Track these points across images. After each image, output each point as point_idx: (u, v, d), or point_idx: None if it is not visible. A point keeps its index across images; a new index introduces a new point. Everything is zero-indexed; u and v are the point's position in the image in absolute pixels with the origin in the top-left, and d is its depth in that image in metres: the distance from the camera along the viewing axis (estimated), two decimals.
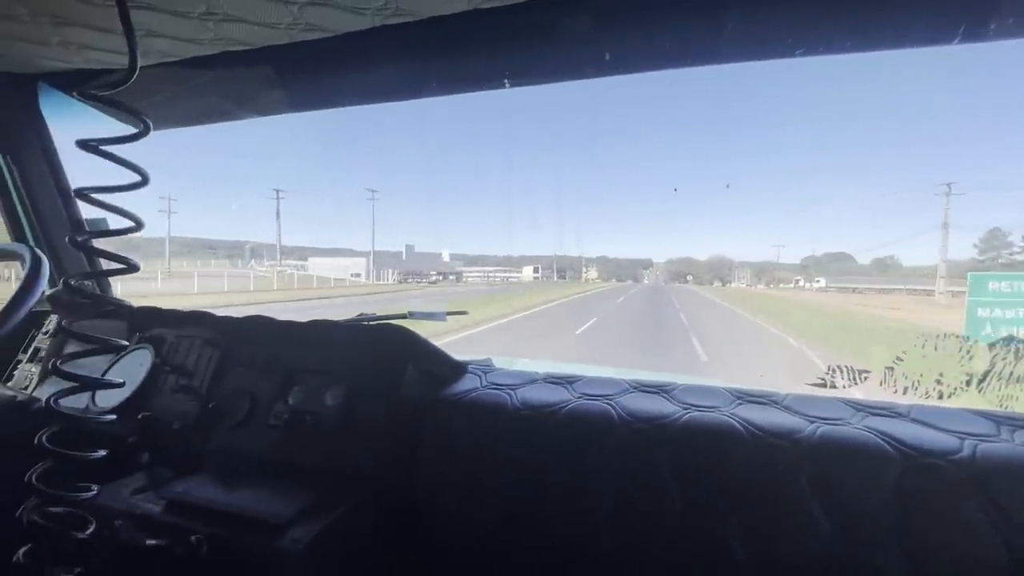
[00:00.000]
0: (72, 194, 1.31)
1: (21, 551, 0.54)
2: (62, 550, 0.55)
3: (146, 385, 0.97)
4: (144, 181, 0.57)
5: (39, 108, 1.23)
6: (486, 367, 0.96)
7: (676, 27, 0.83)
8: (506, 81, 0.95)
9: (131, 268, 0.61)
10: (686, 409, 0.74)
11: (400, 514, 0.79)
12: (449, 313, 1.15)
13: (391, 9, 0.79)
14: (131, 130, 0.62)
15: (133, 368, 0.99)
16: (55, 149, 1.26)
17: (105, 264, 0.64)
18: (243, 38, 0.87)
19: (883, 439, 0.63)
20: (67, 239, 0.57)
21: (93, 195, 0.56)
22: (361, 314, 1.20)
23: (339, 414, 0.85)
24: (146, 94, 1.11)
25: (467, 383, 0.89)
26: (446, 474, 0.79)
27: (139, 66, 0.55)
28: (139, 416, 0.90)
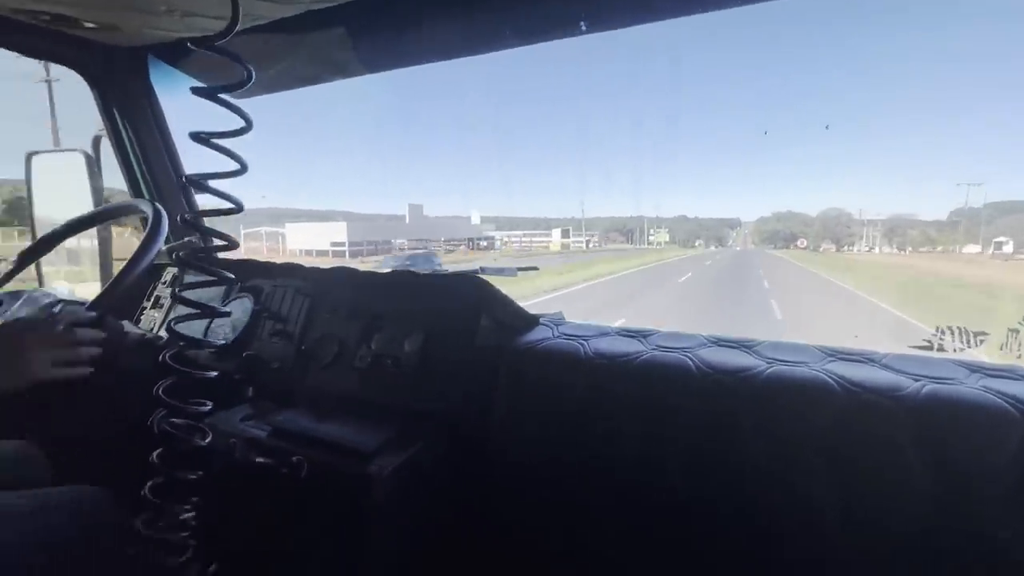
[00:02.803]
0: (176, 156, 1.45)
1: (155, 454, 0.63)
2: (186, 455, 0.63)
3: (248, 329, 1.07)
4: (243, 169, 0.62)
5: (149, 78, 1.35)
6: (557, 321, 0.97)
7: None
8: (582, 24, 0.91)
9: (232, 245, 0.66)
10: (770, 363, 0.70)
11: (474, 452, 0.83)
12: (520, 269, 1.17)
13: None
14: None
15: (237, 314, 1.09)
16: (163, 116, 1.39)
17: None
18: None
19: (1005, 400, 0.57)
20: (178, 218, 0.62)
21: (200, 181, 0.62)
22: (432, 271, 1.24)
23: (417, 358, 0.89)
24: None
25: (539, 333, 0.90)
26: (519, 417, 0.82)
27: (240, 15, 0.58)
28: (243, 355, 1.00)
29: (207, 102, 0.62)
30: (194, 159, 1.47)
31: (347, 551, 0.72)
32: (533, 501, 0.83)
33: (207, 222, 0.67)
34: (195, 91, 0.59)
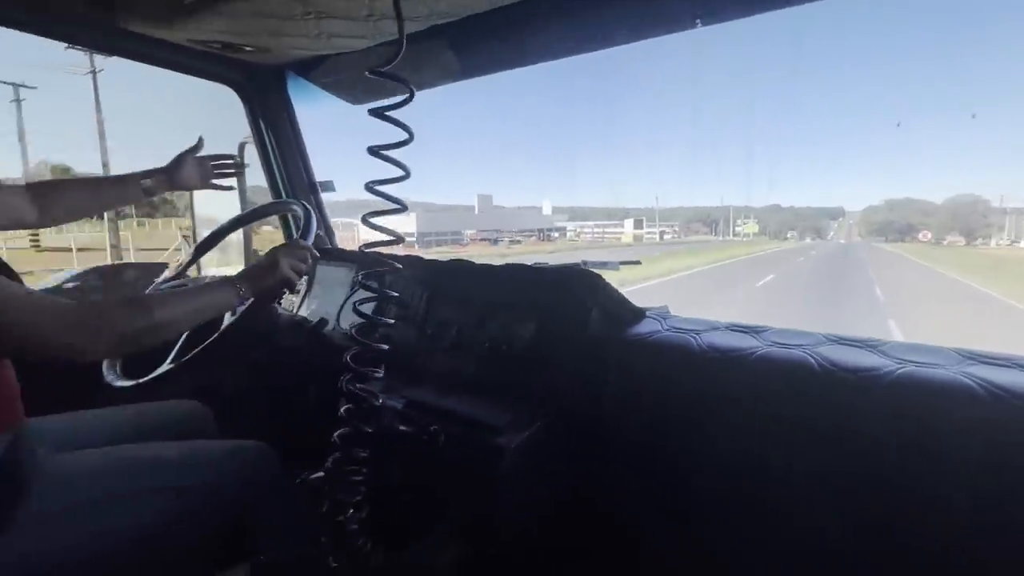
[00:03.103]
0: (308, 159, 1.63)
1: (342, 408, 0.76)
2: (364, 414, 0.76)
3: (375, 312, 1.20)
4: (410, 138, 0.71)
5: (287, 91, 1.54)
6: (664, 314, 1.00)
7: None
8: (698, 22, 0.92)
9: (402, 207, 0.77)
10: (900, 363, 0.69)
11: (587, 435, 0.89)
12: (623, 263, 1.20)
13: None
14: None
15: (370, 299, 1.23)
16: (298, 124, 1.57)
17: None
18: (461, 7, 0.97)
19: None
20: (360, 218, 0.73)
21: (376, 187, 0.72)
22: (536, 263, 1.31)
23: (531, 345, 0.96)
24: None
25: (648, 326, 0.93)
26: (631, 405, 0.86)
27: (405, 45, 0.67)
28: (376, 334, 1.13)
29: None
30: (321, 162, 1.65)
31: (479, 511, 0.81)
32: (642, 487, 0.88)
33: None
34: (371, 112, 0.69)
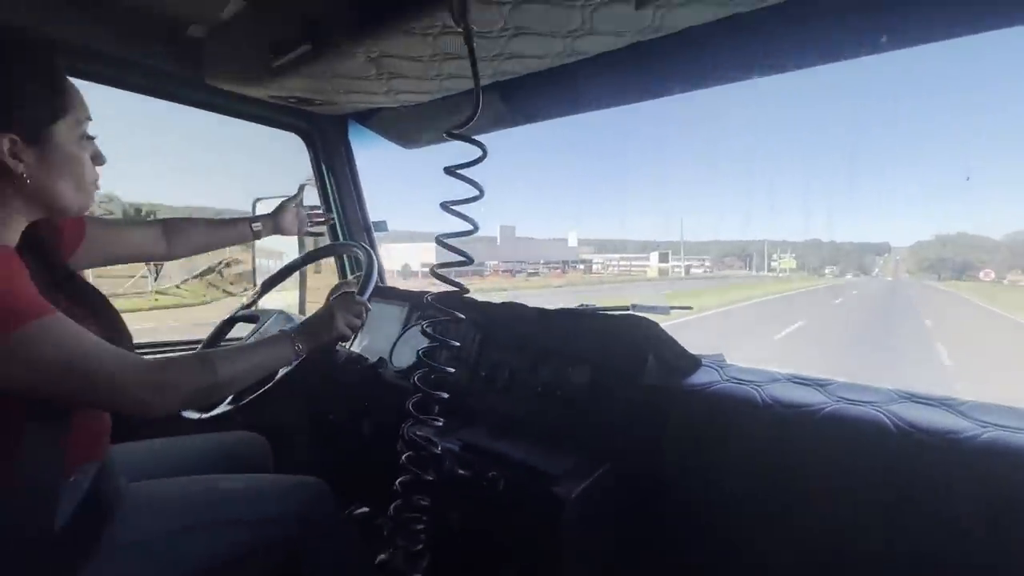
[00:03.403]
0: (364, 201, 1.72)
1: (404, 456, 0.78)
2: (424, 461, 0.78)
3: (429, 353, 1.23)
4: (480, 195, 0.75)
5: (348, 137, 1.64)
6: (720, 363, 0.99)
7: None
8: (755, 75, 0.95)
9: (469, 260, 0.80)
10: (984, 427, 0.66)
11: (648, 487, 0.88)
12: (673, 307, 1.20)
13: (647, 27, 0.86)
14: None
15: (421, 339, 1.27)
16: (356, 169, 1.67)
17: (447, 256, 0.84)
18: (524, 66, 1.03)
19: None
20: (435, 239, 0.77)
21: (452, 206, 0.76)
22: (583, 305, 1.32)
23: (585, 391, 0.97)
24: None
25: (705, 375, 0.93)
26: (692, 458, 0.85)
27: (480, 108, 0.72)
28: (431, 376, 1.16)
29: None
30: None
31: (541, 561, 0.80)
32: (704, 545, 0.85)
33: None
34: (446, 170, 0.74)
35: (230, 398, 1.10)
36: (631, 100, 1.19)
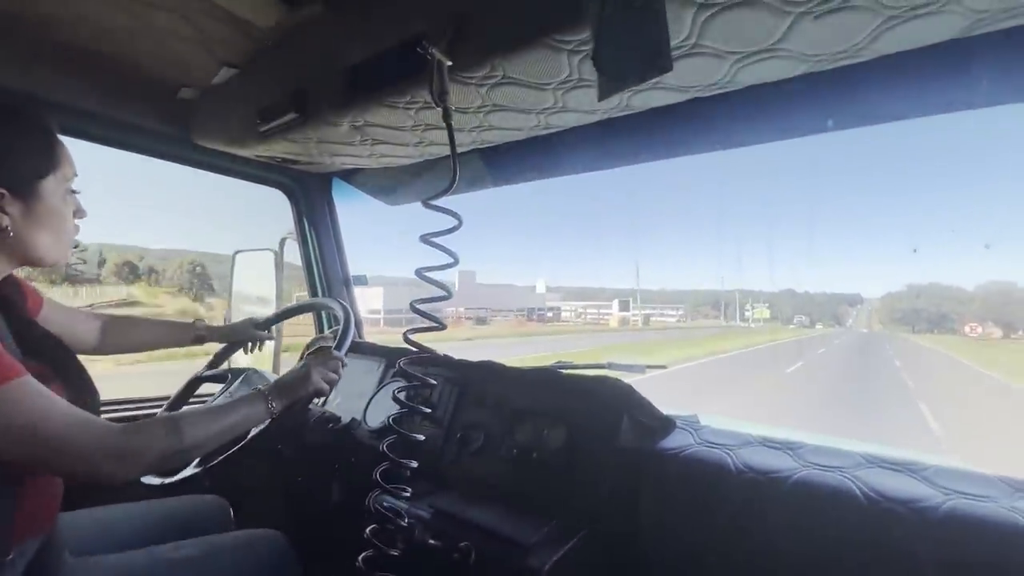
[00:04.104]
0: (344, 256, 1.74)
1: (368, 529, 0.75)
2: (391, 535, 0.75)
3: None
4: (455, 262, 0.77)
5: (331, 196, 1.68)
6: (694, 424, 1.00)
7: None
8: (718, 148, 1.03)
9: (441, 326, 0.81)
10: (947, 495, 0.68)
11: (624, 553, 0.86)
12: (648, 366, 1.21)
13: (616, 107, 0.93)
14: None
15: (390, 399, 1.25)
16: (339, 225, 1.70)
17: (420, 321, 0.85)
18: (502, 136, 1.09)
19: None
20: (410, 304, 0.78)
21: (425, 274, 0.77)
22: (559, 362, 1.33)
23: (561, 453, 0.95)
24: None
25: (679, 438, 0.93)
26: (667, 525, 0.84)
27: (457, 180, 0.75)
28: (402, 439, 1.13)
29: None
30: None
31: None
32: None
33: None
34: (422, 239, 0.76)
35: (194, 464, 1.05)
36: (604, 167, 1.26)
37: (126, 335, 1.09)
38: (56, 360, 0.75)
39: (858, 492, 0.71)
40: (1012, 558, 0.59)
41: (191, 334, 1.17)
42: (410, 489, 0.76)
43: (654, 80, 0.78)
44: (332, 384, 0.96)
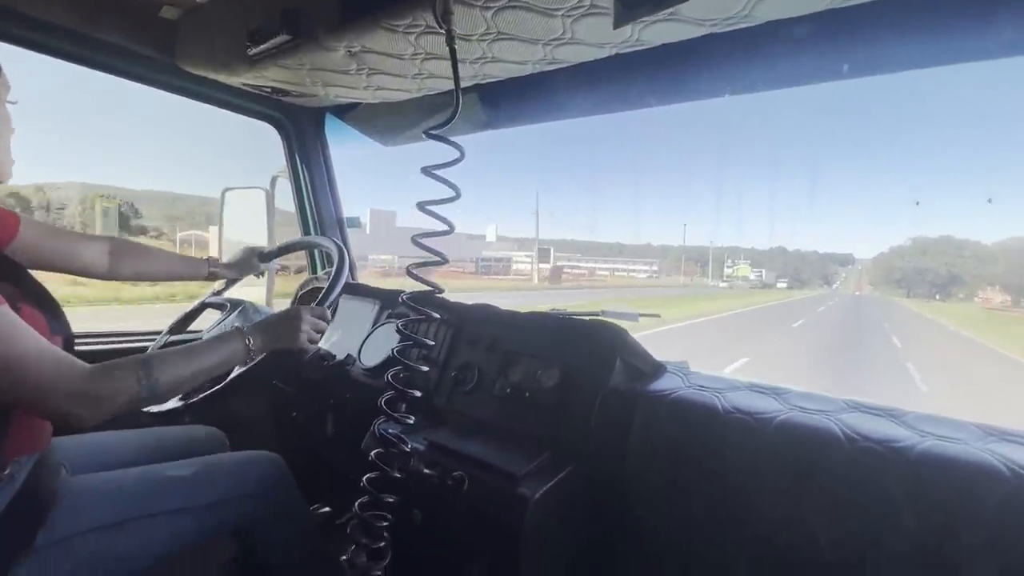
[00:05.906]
0: (338, 196, 1.70)
1: (373, 453, 0.77)
2: (393, 459, 0.78)
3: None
4: (457, 195, 0.75)
5: (324, 131, 1.62)
6: (684, 369, 1.02)
7: None
8: (728, 93, 0.99)
9: (443, 260, 0.80)
10: (923, 436, 0.71)
11: (611, 487, 0.90)
12: (642, 315, 1.22)
13: (627, 41, 0.89)
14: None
15: (392, 338, 1.26)
16: (331, 162, 1.65)
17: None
18: (505, 71, 1.05)
19: None
20: (411, 238, 0.77)
21: (428, 207, 0.75)
22: (553, 309, 1.33)
23: (554, 394, 0.98)
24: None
25: (670, 381, 0.95)
26: (654, 461, 0.87)
27: (460, 107, 0.72)
28: (400, 375, 1.15)
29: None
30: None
31: (503, 562, 0.81)
32: (665, 543, 0.87)
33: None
34: (423, 170, 0.74)
35: (178, 397, 1.06)
36: (609, 110, 1.22)
37: (144, 262, 1.09)
38: (29, 291, 0.74)
39: (839, 432, 0.73)
40: (979, 494, 0.63)
41: (205, 270, 1.19)
42: (413, 417, 0.78)
43: (670, 10, 0.74)
44: (315, 343, 0.96)
